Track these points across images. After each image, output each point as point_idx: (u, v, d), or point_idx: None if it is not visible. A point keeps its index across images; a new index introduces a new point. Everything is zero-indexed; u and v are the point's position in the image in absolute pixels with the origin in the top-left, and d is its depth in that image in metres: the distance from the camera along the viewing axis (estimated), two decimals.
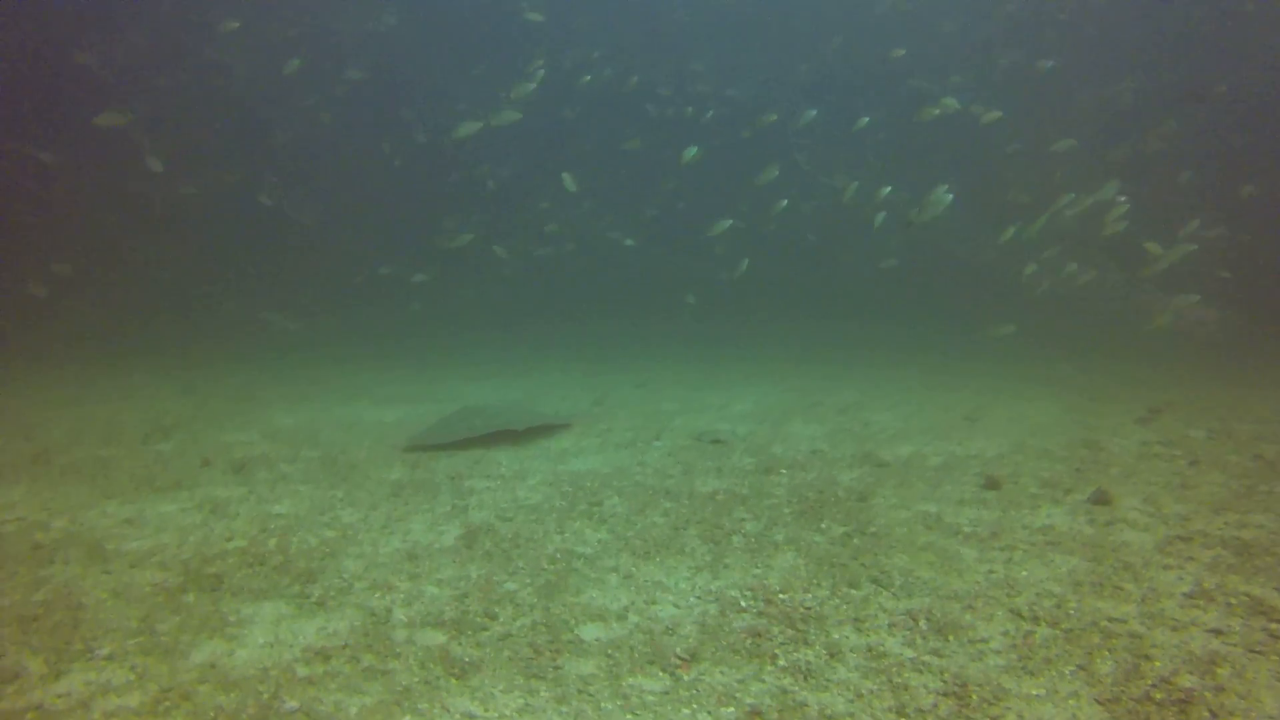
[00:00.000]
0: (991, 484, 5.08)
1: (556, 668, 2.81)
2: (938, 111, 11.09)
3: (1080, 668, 2.72)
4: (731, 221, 12.08)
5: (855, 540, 4.11)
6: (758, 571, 3.67)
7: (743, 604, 3.30)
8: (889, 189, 10.97)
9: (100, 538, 4.29)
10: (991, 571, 3.58)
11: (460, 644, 2.99)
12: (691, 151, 11.16)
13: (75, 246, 14.70)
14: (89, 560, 3.96)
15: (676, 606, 3.31)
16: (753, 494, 5.10)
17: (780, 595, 3.37)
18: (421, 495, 5.11)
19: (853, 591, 3.41)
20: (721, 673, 2.76)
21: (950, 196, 8.25)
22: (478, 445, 6.66)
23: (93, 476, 5.62)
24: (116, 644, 2.98)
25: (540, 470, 5.79)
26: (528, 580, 3.62)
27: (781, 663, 2.81)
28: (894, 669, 2.75)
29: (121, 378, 11.43)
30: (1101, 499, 4.52)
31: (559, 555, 3.96)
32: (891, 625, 3.06)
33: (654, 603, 3.36)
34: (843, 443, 6.75)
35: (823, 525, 4.40)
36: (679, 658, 2.85)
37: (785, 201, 13.34)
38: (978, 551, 3.87)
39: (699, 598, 3.39)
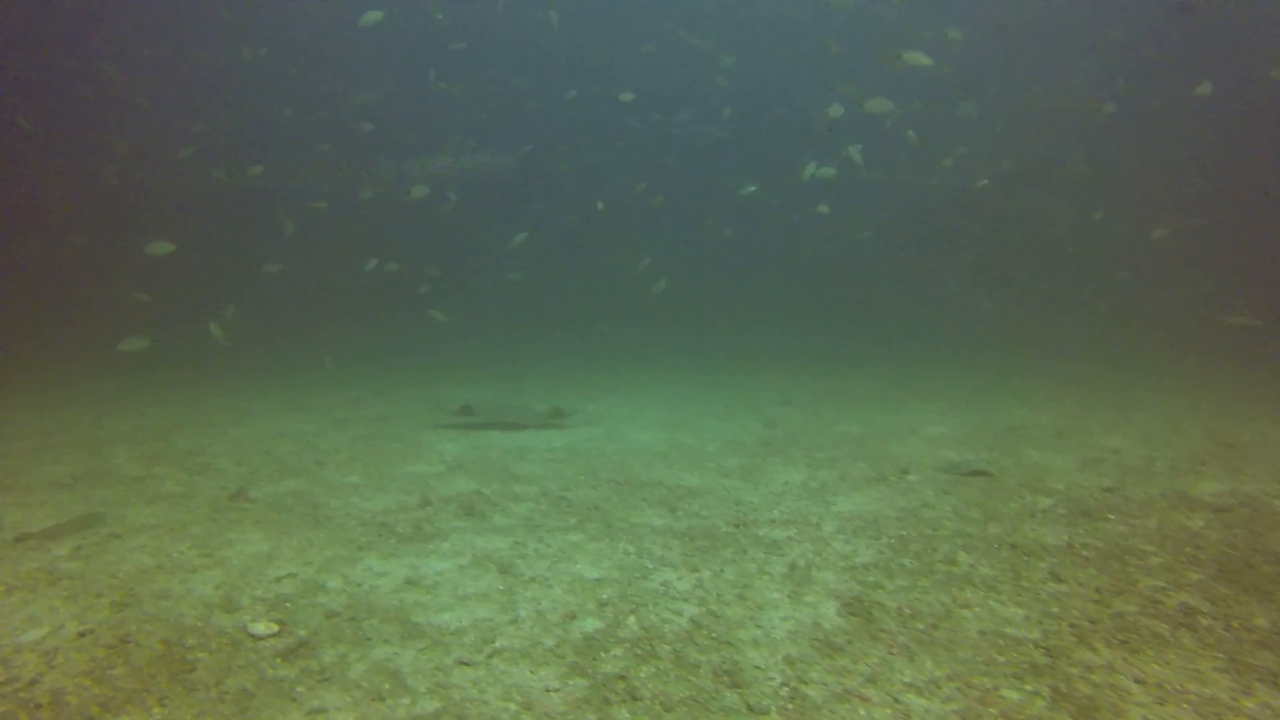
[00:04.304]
0: None
1: None
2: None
3: None
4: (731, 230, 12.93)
5: None
6: None
7: None
8: None
9: (396, 606, 3.53)
10: None
11: None
12: (749, 187, 12.27)
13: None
14: (412, 639, 3.19)
15: None
16: (1117, 549, 4.25)
17: None
18: (726, 548, 4.30)
19: None
20: None
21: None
22: (710, 479, 5.86)
23: (314, 520, 4.88)
24: None
25: (821, 514, 4.97)
26: (1022, 685, 2.80)
27: None
28: None
29: (224, 397, 10.79)
30: None
31: (1002, 642, 3.14)
32: None
33: None
34: (1125, 479, 5.87)
35: None
36: None
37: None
38: None
39: None
